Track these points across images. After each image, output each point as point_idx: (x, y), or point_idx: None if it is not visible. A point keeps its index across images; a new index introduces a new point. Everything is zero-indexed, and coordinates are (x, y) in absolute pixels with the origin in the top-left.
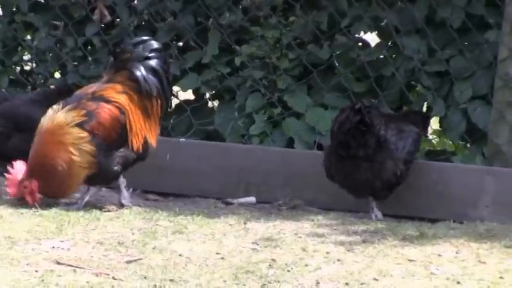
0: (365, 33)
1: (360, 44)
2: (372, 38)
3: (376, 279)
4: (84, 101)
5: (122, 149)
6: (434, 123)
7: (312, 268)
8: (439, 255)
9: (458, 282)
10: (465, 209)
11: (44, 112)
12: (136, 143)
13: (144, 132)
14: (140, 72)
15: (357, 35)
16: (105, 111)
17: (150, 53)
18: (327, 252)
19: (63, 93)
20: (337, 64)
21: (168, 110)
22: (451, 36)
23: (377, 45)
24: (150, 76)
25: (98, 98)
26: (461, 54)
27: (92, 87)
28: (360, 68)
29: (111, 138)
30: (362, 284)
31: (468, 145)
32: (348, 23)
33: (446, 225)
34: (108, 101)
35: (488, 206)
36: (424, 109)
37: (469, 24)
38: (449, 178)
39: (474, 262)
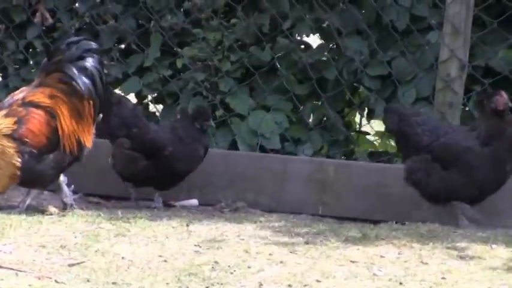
0: (307, 35)
1: (302, 46)
2: (313, 40)
3: (318, 281)
4: (15, 107)
5: (55, 152)
6: (377, 125)
7: (254, 270)
8: (382, 256)
9: (400, 283)
10: (407, 210)
11: None
12: (70, 146)
13: (77, 134)
14: (72, 73)
15: (298, 37)
16: (35, 117)
17: (83, 53)
18: (270, 254)
19: None
20: (279, 66)
21: (107, 110)
22: (393, 38)
23: (319, 47)
24: (82, 77)
25: (27, 103)
26: (403, 55)
27: (23, 92)
28: (302, 70)
29: (42, 143)
30: (305, 285)
31: None
32: (290, 25)
33: (389, 227)
34: (38, 106)
35: (429, 207)
36: (366, 111)
37: (412, 26)
38: (391, 179)
39: (416, 263)
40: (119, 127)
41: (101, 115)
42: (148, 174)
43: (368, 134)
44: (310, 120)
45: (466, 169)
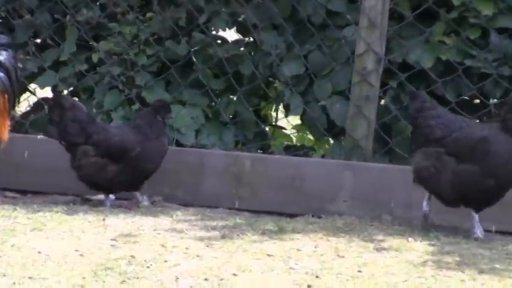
0: (223, 29)
1: (218, 40)
2: (230, 34)
3: (235, 275)
4: None
5: None
6: (293, 119)
7: (171, 264)
8: (298, 249)
9: (317, 277)
10: (324, 203)
11: None
12: None
13: None
14: None
15: (214, 31)
16: None
17: None
18: (186, 248)
19: None
20: (195, 60)
21: (16, 105)
22: (309, 32)
23: (235, 41)
24: None
25: None
26: (319, 49)
27: None
28: (218, 65)
29: None
30: (221, 279)
31: (327, 140)
32: (206, 19)
33: (305, 220)
34: None
35: (346, 201)
36: (281, 105)
37: (328, 20)
38: (307, 173)
39: (333, 256)
40: (78, 133)
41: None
42: (119, 178)
43: (284, 128)
44: (226, 114)
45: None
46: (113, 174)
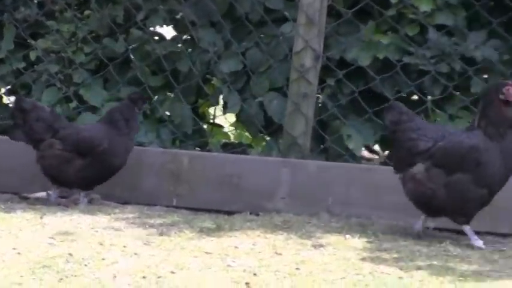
0: (161, 26)
1: (156, 37)
2: (167, 31)
3: (173, 272)
4: None
5: None
6: (231, 116)
7: (109, 262)
8: (236, 247)
9: (254, 274)
10: (261, 201)
11: None
12: None
13: None
14: None
15: (152, 29)
16: None
17: None
18: (124, 246)
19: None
20: (133, 58)
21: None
22: (247, 29)
23: (173, 38)
24: None
25: None
26: (257, 46)
27: None
28: (156, 62)
29: None
30: (159, 277)
31: (265, 137)
32: (144, 17)
33: (243, 218)
34: None
35: (284, 198)
36: (221, 103)
37: (266, 17)
38: (245, 170)
39: (271, 254)
40: (45, 131)
41: None
42: (85, 173)
43: (221, 127)
44: (163, 111)
45: (474, 169)
46: (78, 169)
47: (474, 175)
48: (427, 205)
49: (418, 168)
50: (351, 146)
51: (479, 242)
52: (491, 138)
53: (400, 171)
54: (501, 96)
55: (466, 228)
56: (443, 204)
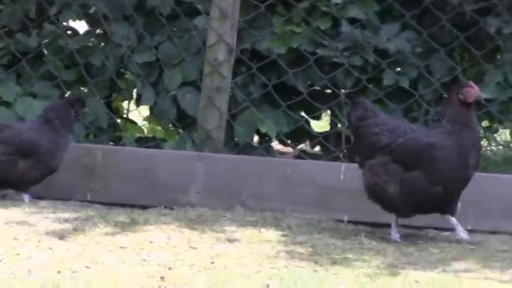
0: (74, 20)
1: (69, 31)
2: (80, 26)
3: (88, 267)
4: None
5: None
6: (144, 110)
7: (23, 257)
8: (151, 241)
9: (169, 268)
10: (176, 195)
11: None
12: None
13: None
14: None
15: (65, 23)
16: None
17: None
18: (39, 241)
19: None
20: (46, 52)
21: None
22: (160, 23)
23: (86, 32)
24: None
25: None
26: (170, 40)
27: None
28: (69, 56)
29: None
30: (74, 272)
31: (178, 131)
32: (57, 11)
33: (158, 212)
34: None
35: (199, 192)
36: (134, 97)
37: (179, 11)
38: (159, 164)
39: (185, 248)
40: None
41: None
42: (29, 174)
43: (134, 122)
44: None
45: (429, 166)
46: (23, 170)
47: (429, 172)
48: (380, 198)
49: (377, 160)
50: (264, 129)
51: (462, 233)
52: (450, 136)
53: (362, 167)
54: (460, 97)
55: (451, 219)
56: (397, 200)
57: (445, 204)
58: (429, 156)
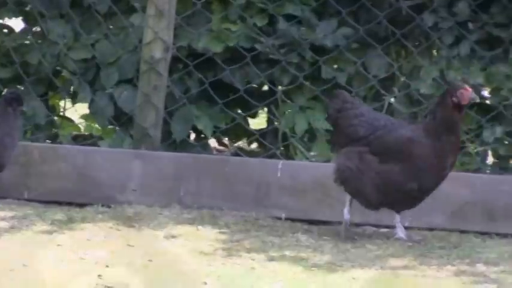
0: (10, 18)
1: (5, 29)
2: (16, 24)
3: (25, 265)
4: None
5: None
6: (80, 108)
7: None
8: (88, 239)
9: (107, 266)
10: (113, 193)
11: None
12: None
13: None
14: None
15: (1, 21)
16: None
17: None
18: None
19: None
20: None
21: None
22: (96, 20)
23: (22, 30)
24: None
25: None
26: (106, 38)
27: None
28: (5, 54)
29: None
30: (11, 270)
31: (115, 129)
32: None
33: (95, 210)
34: None
35: (136, 190)
36: (71, 94)
37: (115, 8)
38: (96, 162)
39: (123, 246)
40: None
41: None
42: None
43: (71, 120)
44: None
45: (406, 161)
46: None
47: (405, 167)
48: (350, 183)
49: (354, 148)
50: (200, 127)
51: (400, 232)
52: (429, 135)
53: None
54: (454, 99)
55: (396, 217)
56: (368, 189)
57: (416, 201)
58: (408, 151)
